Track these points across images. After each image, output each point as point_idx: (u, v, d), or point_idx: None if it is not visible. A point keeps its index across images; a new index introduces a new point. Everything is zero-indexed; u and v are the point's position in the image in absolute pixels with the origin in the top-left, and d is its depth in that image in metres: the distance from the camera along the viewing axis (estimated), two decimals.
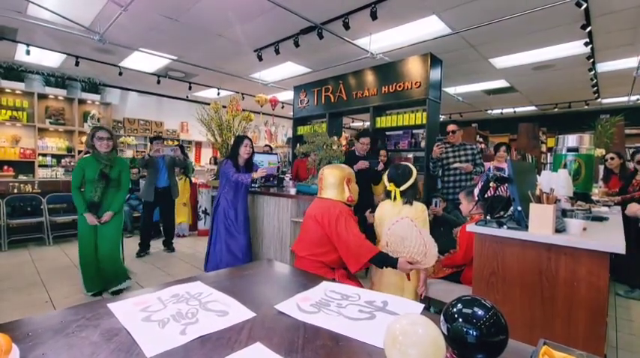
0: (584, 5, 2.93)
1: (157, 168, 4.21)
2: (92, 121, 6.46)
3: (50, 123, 6.00)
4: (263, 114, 8.18)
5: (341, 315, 0.88)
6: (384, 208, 2.09)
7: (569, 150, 2.74)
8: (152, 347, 0.71)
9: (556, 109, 7.85)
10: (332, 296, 1.00)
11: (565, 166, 2.75)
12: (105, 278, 2.91)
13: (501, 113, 8.65)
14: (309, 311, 0.90)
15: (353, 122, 9.99)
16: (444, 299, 1.97)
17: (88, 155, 2.87)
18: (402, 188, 2.01)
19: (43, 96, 5.94)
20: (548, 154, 7.68)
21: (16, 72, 5.60)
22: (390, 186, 2.04)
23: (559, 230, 1.55)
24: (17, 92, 5.67)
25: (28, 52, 4.51)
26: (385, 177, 2.12)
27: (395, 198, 2.02)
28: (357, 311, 0.90)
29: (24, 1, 3.43)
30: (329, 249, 1.83)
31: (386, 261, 1.69)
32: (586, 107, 7.47)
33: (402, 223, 1.68)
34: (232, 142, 3.40)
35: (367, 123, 5.97)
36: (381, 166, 3.49)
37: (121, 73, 5.53)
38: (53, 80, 5.98)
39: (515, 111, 8.51)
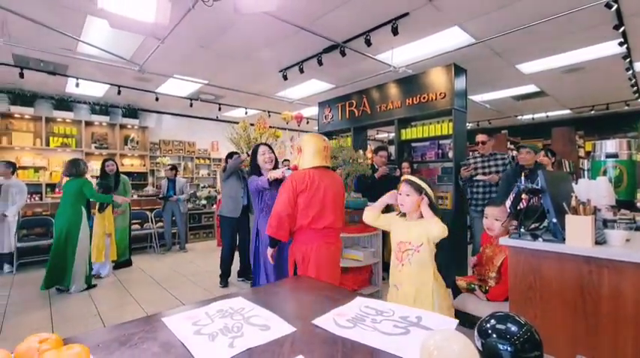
0: (615, 7, 2.84)
1: (242, 181, 3.90)
2: (132, 144, 6.95)
3: (95, 147, 6.51)
4: (289, 130, 8.39)
5: (376, 330, 0.92)
6: (394, 219, 1.86)
7: (608, 156, 2.62)
8: None
9: (593, 112, 7.46)
10: (367, 312, 1.03)
11: (605, 173, 2.63)
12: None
13: (533, 118, 8.34)
14: (345, 326, 0.94)
15: (377, 134, 10.00)
16: (477, 314, 1.92)
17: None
18: None
19: (89, 123, 6.48)
20: (586, 160, 7.28)
21: (66, 103, 6.18)
22: None
23: (599, 242, 1.50)
24: (67, 121, 6.24)
25: (77, 85, 4.97)
26: None
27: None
28: (391, 327, 0.93)
29: (74, 40, 3.82)
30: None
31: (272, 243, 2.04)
32: (626, 108, 7.04)
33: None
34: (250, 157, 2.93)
35: (392, 135, 5.98)
36: (397, 172, 3.89)
37: (157, 99, 5.94)
38: (98, 108, 6.52)
39: (547, 116, 8.16)
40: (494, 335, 0.65)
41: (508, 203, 1.81)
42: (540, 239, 1.58)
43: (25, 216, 4.82)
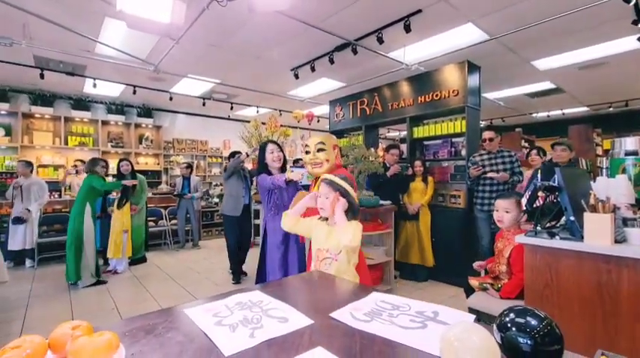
0: (633, 1, 2.76)
1: (243, 181, 4.06)
2: (146, 143, 7.09)
3: (111, 146, 6.67)
4: (300, 128, 8.43)
5: (393, 324, 0.93)
6: (314, 223, 1.67)
7: (628, 153, 2.57)
8: (228, 348, 0.81)
9: (611, 109, 7.27)
10: (383, 306, 1.05)
11: (624, 171, 2.58)
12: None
13: (548, 116, 8.17)
14: (362, 320, 0.95)
15: (389, 132, 9.95)
16: (490, 312, 1.91)
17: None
18: None
19: (105, 123, 6.65)
20: (604, 158, 7.10)
21: (84, 102, 6.35)
22: None
23: (619, 240, 1.48)
24: (85, 120, 6.41)
25: (94, 85, 5.10)
26: None
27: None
28: (408, 321, 0.94)
29: (92, 42, 3.92)
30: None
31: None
32: None
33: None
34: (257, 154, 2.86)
35: (404, 133, 5.95)
36: (409, 171, 4.01)
37: (171, 98, 6.05)
38: (114, 108, 6.67)
39: (563, 113, 7.99)
40: (514, 329, 0.65)
41: (524, 200, 1.80)
42: (557, 237, 1.57)
43: (46, 213, 4.98)
